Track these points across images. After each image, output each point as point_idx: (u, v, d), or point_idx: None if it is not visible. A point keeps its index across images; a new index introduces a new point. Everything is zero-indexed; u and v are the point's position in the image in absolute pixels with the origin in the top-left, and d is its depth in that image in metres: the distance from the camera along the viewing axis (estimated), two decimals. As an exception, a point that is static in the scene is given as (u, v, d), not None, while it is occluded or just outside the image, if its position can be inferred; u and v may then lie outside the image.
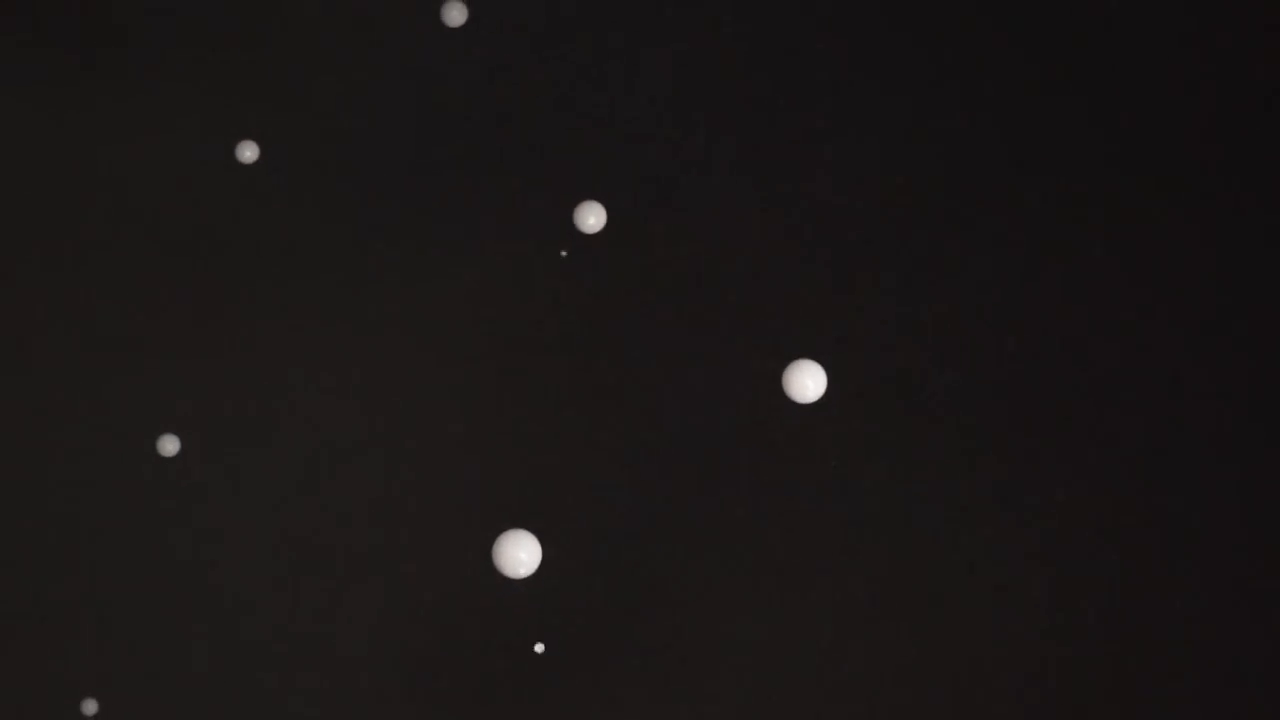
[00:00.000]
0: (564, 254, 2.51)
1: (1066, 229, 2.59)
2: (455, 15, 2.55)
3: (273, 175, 2.63)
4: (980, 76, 2.61)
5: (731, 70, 2.63)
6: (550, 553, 2.54)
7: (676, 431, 2.59)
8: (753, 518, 2.58)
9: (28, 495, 2.59)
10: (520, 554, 2.39)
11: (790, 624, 2.57)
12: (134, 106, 2.64)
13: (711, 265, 2.61)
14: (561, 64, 2.63)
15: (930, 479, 2.57)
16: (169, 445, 2.55)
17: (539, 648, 2.48)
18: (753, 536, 2.58)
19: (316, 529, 2.59)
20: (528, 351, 2.60)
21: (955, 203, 2.61)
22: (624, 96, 2.63)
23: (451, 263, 2.62)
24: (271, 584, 2.58)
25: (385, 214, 2.63)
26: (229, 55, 2.64)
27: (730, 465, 2.58)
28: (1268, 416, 2.56)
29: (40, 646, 2.57)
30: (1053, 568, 2.56)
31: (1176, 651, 2.54)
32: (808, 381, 2.44)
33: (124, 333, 2.62)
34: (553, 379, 2.60)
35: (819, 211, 2.61)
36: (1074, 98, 2.61)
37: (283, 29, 2.64)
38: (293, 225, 2.63)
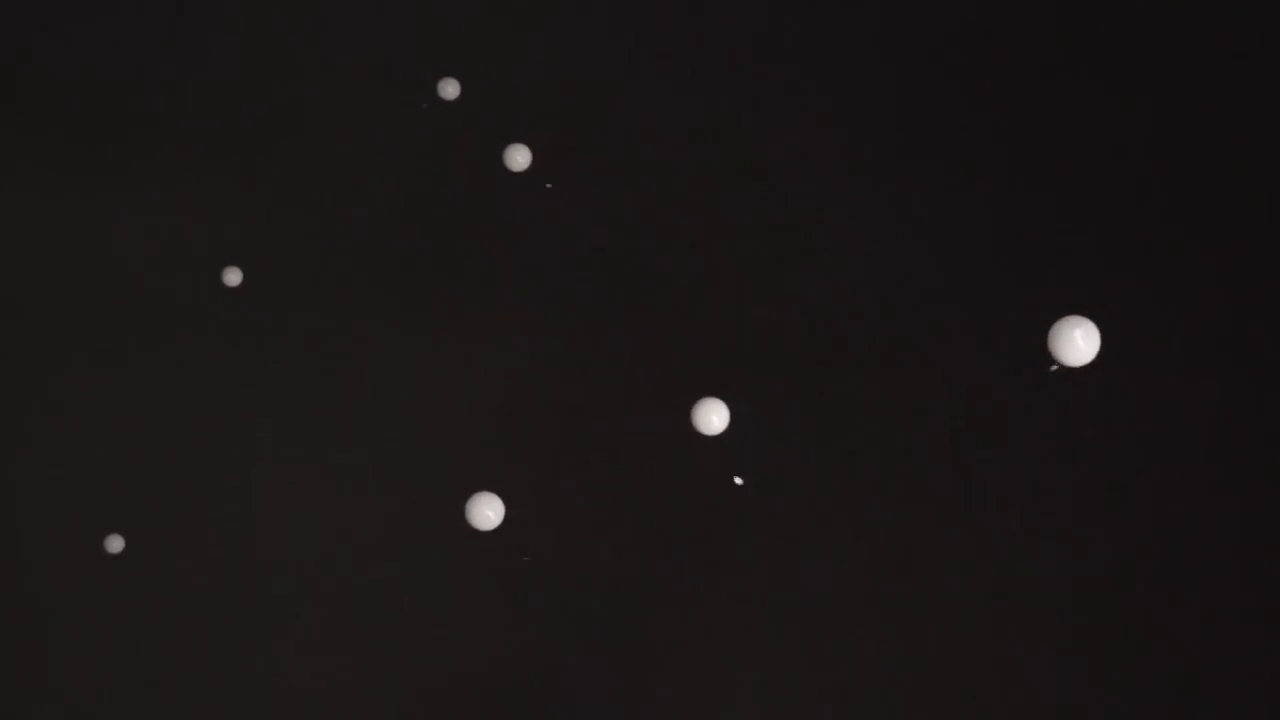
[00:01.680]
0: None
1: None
2: (449, 90, 2.59)
3: (254, 268, 2.64)
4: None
5: (742, 147, 2.65)
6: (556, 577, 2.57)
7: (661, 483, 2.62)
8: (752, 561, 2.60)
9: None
10: (488, 511, 2.46)
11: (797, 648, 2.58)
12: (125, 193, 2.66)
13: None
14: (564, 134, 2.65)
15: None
16: (115, 543, 2.58)
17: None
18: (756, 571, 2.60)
19: (272, 632, 2.62)
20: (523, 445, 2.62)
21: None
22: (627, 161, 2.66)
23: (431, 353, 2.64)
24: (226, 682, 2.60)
25: (367, 302, 2.64)
26: (221, 145, 2.66)
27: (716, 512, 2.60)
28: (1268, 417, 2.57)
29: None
30: (1057, 582, 2.57)
31: (1178, 660, 2.55)
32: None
33: (76, 428, 2.63)
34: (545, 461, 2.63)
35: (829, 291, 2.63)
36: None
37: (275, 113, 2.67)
38: (271, 316, 2.64)
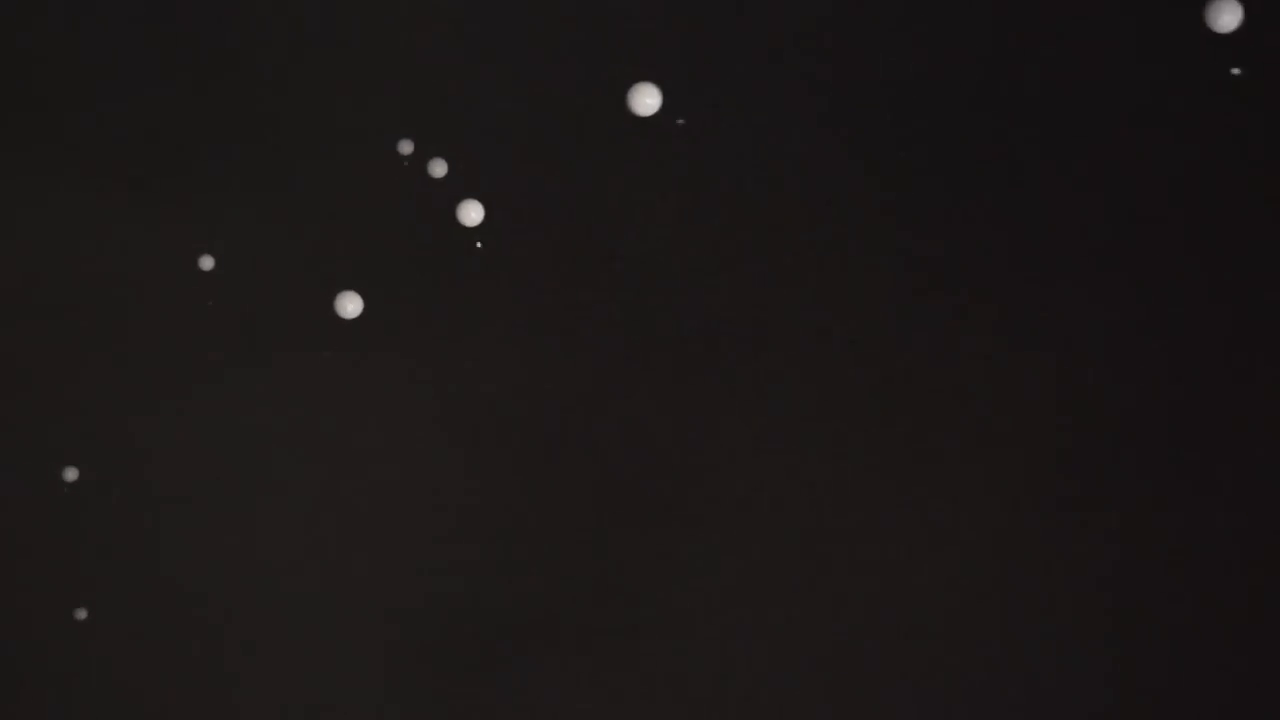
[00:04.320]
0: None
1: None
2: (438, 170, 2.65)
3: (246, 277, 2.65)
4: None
5: (746, 146, 2.64)
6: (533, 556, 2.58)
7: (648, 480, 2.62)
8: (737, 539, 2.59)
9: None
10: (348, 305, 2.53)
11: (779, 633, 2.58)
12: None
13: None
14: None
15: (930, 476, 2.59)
16: (70, 473, 2.61)
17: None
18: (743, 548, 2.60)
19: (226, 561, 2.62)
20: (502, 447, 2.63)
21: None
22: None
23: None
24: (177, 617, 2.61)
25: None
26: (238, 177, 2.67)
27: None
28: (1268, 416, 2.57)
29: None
30: (1060, 569, 2.57)
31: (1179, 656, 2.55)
32: None
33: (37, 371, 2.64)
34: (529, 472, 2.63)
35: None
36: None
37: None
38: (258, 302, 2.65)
